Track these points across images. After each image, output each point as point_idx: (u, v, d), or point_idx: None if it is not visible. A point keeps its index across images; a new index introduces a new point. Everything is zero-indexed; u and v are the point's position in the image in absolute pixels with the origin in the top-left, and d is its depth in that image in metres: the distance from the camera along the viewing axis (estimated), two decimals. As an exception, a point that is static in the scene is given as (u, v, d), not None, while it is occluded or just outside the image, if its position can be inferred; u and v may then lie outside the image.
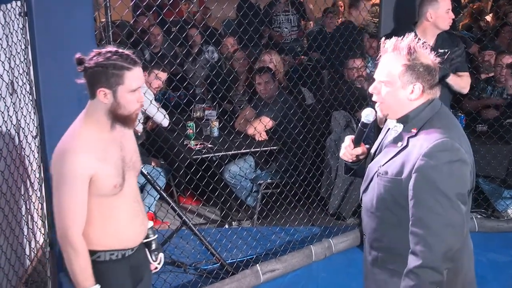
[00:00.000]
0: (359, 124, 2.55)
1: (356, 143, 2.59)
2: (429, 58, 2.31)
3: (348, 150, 2.60)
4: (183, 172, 4.87)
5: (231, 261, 4.50)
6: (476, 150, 5.17)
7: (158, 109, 4.99)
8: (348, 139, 2.61)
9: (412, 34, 2.35)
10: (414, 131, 2.28)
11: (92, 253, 2.51)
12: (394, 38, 2.33)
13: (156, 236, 2.87)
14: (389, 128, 2.45)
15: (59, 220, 2.43)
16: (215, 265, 4.44)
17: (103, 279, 2.53)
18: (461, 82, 4.51)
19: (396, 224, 2.33)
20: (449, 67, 4.43)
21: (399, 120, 2.34)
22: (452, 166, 2.17)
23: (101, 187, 2.46)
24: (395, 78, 2.28)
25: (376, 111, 2.44)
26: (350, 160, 2.63)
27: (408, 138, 2.29)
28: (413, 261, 2.19)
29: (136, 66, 2.40)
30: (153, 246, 2.84)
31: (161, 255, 2.86)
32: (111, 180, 2.48)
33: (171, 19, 4.75)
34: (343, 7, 7.97)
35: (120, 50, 2.42)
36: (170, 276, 4.26)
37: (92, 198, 2.46)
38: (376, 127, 4.30)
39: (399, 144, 2.32)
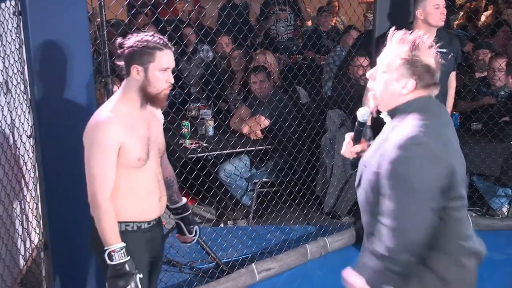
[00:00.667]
0: (356, 123, 2.59)
1: (355, 141, 2.62)
2: (431, 58, 2.32)
3: (348, 147, 2.64)
4: (178, 171, 4.86)
5: (227, 260, 4.51)
6: (471, 148, 5.22)
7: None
8: (348, 137, 2.65)
9: (421, 31, 2.38)
10: (396, 123, 2.33)
11: None
12: (403, 31, 2.36)
13: (190, 211, 3.10)
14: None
15: (90, 185, 2.64)
16: (210, 264, 4.45)
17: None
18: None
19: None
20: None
21: (389, 112, 2.38)
22: (424, 160, 2.18)
23: (127, 158, 2.65)
24: (392, 69, 2.32)
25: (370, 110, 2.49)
26: (351, 157, 2.67)
27: (391, 129, 2.34)
28: (377, 247, 2.25)
29: (167, 48, 2.66)
30: (189, 220, 3.07)
31: (196, 227, 3.10)
32: (136, 152, 2.67)
33: (165, 18, 4.75)
34: (337, 7, 7.96)
35: (155, 34, 2.69)
36: (165, 276, 4.26)
37: (116, 170, 2.66)
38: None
39: (382, 137, 2.38)
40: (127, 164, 2.67)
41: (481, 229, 5.17)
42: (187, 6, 7.37)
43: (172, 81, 2.71)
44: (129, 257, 2.68)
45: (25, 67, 3.42)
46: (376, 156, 2.34)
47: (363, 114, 2.54)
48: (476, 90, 5.81)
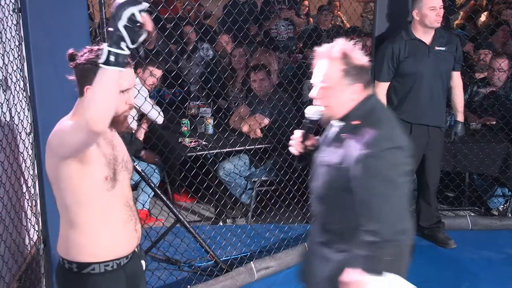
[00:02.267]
0: (304, 121, 2.74)
1: (304, 138, 2.79)
2: (362, 58, 2.53)
3: (298, 143, 2.80)
4: (178, 169, 4.86)
5: (225, 258, 4.50)
6: (470, 148, 5.22)
7: (152, 106, 4.98)
8: (299, 132, 2.80)
9: (341, 39, 2.58)
10: (356, 122, 2.51)
11: (86, 265, 2.45)
12: (326, 45, 2.56)
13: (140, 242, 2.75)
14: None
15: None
16: (209, 262, 4.44)
17: None
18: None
19: (342, 208, 2.54)
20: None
21: (341, 119, 2.57)
22: (392, 152, 2.40)
23: (93, 178, 2.38)
24: (335, 82, 2.50)
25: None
26: (298, 153, 2.83)
27: (350, 129, 2.51)
28: (369, 238, 2.40)
29: (127, 66, 2.32)
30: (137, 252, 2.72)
31: (142, 262, 2.73)
32: (103, 170, 2.41)
33: (165, 16, 4.74)
34: (339, 6, 7.96)
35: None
36: (164, 274, 4.26)
37: (85, 194, 2.39)
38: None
39: (342, 136, 2.54)
40: (95, 187, 2.41)
41: (480, 229, 5.22)
42: (187, 4, 7.37)
43: (133, 102, 2.44)
44: None
45: (25, 65, 3.42)
46: (336, 154, 2.53)
47: (314, 112, 2.67)
48: (475, 92, 5.81)
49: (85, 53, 2.36)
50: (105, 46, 2.03)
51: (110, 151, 2.47)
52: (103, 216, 2.45)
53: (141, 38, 2.10)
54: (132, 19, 2.03)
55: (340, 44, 2.52)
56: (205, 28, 6.40)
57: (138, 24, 2.06)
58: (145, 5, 2.07)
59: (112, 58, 2.02)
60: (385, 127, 2.46)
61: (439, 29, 4.50)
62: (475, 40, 6.57)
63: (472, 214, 5.40)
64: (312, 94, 2.59)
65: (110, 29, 2.04)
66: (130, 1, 2.04)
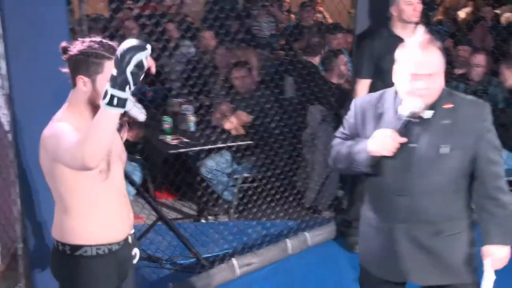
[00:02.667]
0: (407, 116, 2.61)
1: (404, 136, 2.64)
2: None
3: (394, 141, 2.64)
4: (160, 167, 4.86)
5: (207, 255, 4.51)
6: None
7: (134, 103, 4.95)
8: (392, 131, 2.64)
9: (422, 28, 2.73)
10: (449, 106, 2.65)
11: (78, 247, 2.50)
12: (420, 36, 2.67)
13: (133, 231, 2.81)
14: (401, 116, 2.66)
15: (71, 155, 2.25)
16: (191, 259, 4.45)
17: (89, 275, 2.52)
18: None
19: (456, 193, 2.70)
20: None
21: (430, 106, 2.63)
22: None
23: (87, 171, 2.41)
24: (442, 68, 2.62)
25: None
26: (391, 153, 2.67)
27: (448, 113, 2.64)
28: (505, 210, 2.68)
29: (111, 59, 2.35)
30: (129, 241, 2.78)
31: (136, 250, 2.79)
32: None
33: (147, 13, 4.75)
34: (321, 1, 7.97)
35: (104, 41, 2.45)
36: (146, 271, 4.26)
37: (78, 185, 2.45)
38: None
39: (444, 121, 2.64)
40: (89, 179, 2.47)
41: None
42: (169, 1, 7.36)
43: None
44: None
45: (2, 62, 3.38)
46: (452, 139, 2.62)
47: (414, 105, 2.60)
48: (455, 87, 5.84)
49: (77, 45, 2.43)
50: (108, 87, 2.11)
51: None
52: (96, 203, 2.51)
53: (140, 79, 2.20)
54: (139, 65, 2.11)
55: (428, 33, 2.69)
56: (187, 25, 6.42)
57: (143, 69, 2.14)
58: (149, 49, 2.14)
59: (115, 101, 2.10)
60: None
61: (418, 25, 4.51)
62: (454, 37, 6.63)
63: None
64: (420, 85, 2.58)
65: (115, 72, 2.10)
66: (139, 47, 2.11)
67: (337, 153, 2.84)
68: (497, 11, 7.39)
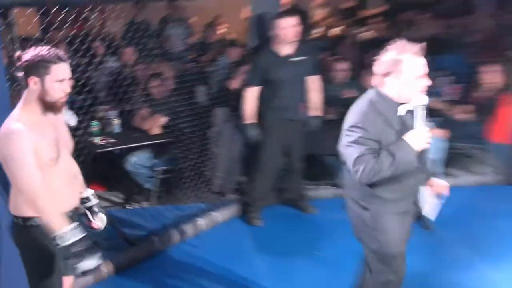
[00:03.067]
0: (423, 109, 2.65)
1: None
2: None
3: (428, 135, 2.67)
4: (90, 164, 4.73)
5: (133, 236, 4.45)
6: (324, 135, 5.14)
7: (65, 110, 4.78)
8: (425, 128, 2.66)
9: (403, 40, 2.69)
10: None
11: (29, 219, 2.56)
12: (416, 45, 2.64)
13: (98, 201, 2.88)
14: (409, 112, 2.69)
15: (23, 186, 2.45)
16: (118, 240, 4.36)
17: (38, 241, 2.56)
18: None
19: None
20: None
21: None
22: None
23: (40, 159, 2.49)
24: None
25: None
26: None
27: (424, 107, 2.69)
28: None
29: (62, 61, 2.51)
30: (95, 209, 2.85)
31: (101, 215, 2.86)
32: (48, 154, 2.53)
33: (75, 33, 4.61)
34: (221, 23, 7.99)
35: (52, 49, 2.54)
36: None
37: None
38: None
39: (426, 112, 2.70)
40: (41, 164, 2.51)
41: (336, 197, 5.17)
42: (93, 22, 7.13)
43: (69, 90, 2.56)
44: (84, 234, 2.49)
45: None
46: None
47: (425, 99, 2.65)
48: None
49: (29, 53, 2.51)
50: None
51: (53, 134, 2.59)
52: (47, 183, 2.51)
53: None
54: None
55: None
56: (111, 43, 6.27)
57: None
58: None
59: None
60: None
61: (299, 42, 4.60)
62: (328, 50, 6.80)
63: (329, 187, 5.51)
64: (427, 82, 2.64)
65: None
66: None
67: (378, 165, 2.62)
68: (358, 30, 7.70)
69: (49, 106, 2.53)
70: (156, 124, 5.21)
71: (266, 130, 4.72)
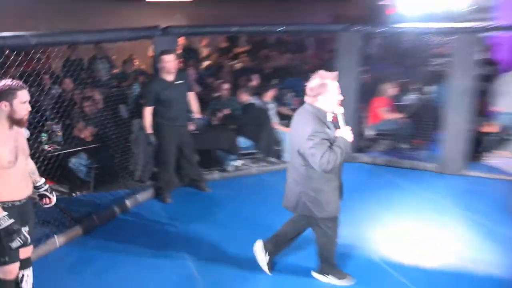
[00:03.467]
0: (341, 115, 2.87)
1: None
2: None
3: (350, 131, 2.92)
4: (41, 165, 4.50)
5: (77, 215, 4.43)
6: (214, 134, 5.61)
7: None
8: (348, 127, 2.89)
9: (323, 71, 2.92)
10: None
11: None
12: (333, 72, 2.87)
13: (47, 186, 2.95)
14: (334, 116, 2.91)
15: None
16: (67, 219, 4.33)
17: None
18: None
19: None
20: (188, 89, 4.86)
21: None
22: None
23: (1, 161, 2.55)
24: None
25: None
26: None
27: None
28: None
29: (24, 88, 2.61)
30: (47, 192, 2.95)
31: (54, 194, 2.96)
32: (8, 157, 2.57)
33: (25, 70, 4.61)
34: (135, 60, 7.93)
35: (15, 81, 2.62)
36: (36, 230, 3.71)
37: None
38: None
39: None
40: (2, 166, 2.58)
41: (223, 179, 5.57)
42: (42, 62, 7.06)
43: (30, 109, 2.64)
44: (12, 220, 2.57)
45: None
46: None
47: (341, 110, 2.87)
48: (213, 103, 6.14)
49: (1, 84, 2.58)
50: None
51: (13, 143, 2.62)
52: (7, 178, 2.60)
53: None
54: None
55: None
56: (55, 75, 6.31)
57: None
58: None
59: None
60: None
61: (178, 71, 4.74)
62: (213, 76, 7.05)
63: (218, 172, 5.67)
64: (341, 98, 2.82)
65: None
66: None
67: (336, 155, 2.79)
68: (232, 62, 8.00)
69: (16, 122, 2.61)
70: (89, 133, 5.26)
71: (163, 135, 4.73)
